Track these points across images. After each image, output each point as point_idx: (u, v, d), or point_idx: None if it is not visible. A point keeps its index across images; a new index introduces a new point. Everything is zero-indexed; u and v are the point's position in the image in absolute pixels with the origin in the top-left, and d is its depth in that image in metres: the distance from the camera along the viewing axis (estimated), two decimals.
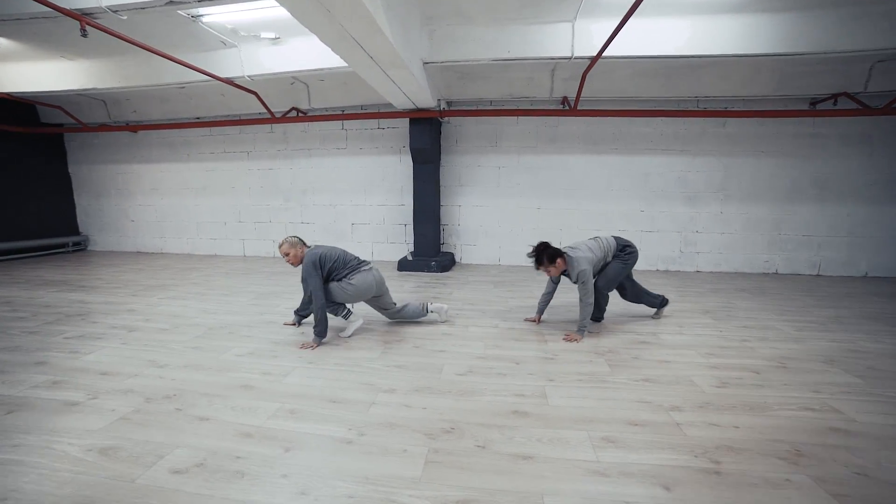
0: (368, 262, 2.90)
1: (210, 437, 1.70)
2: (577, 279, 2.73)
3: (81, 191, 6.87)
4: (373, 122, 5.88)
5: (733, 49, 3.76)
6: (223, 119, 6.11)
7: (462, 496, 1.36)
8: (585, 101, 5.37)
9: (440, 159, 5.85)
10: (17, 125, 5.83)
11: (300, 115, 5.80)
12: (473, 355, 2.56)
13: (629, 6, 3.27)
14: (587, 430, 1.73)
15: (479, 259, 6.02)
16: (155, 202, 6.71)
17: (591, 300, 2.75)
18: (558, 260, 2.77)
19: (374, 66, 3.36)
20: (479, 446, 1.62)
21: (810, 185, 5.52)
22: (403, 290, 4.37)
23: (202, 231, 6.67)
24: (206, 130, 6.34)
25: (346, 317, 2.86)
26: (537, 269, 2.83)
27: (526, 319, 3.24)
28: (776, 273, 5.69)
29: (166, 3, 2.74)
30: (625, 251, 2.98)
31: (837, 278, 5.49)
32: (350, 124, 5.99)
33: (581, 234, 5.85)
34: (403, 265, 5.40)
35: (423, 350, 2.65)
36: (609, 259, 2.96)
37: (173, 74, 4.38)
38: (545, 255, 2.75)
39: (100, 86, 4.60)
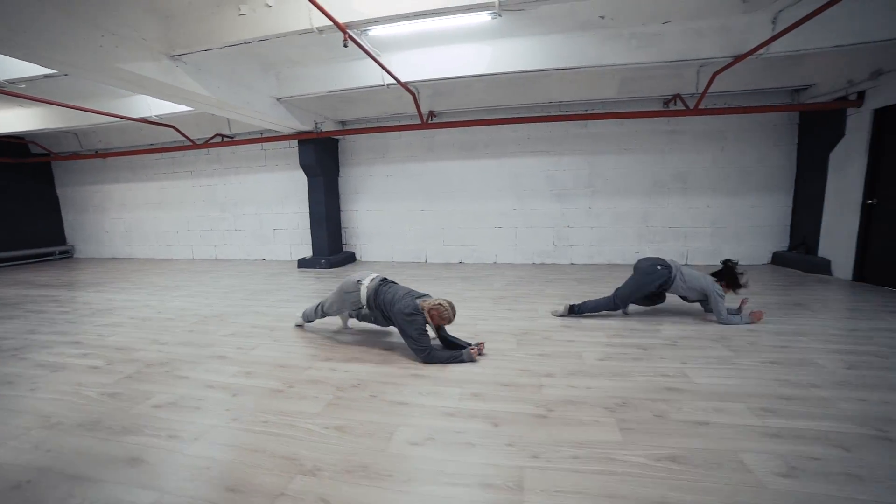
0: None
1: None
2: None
3: (67, 208, 8.36)
4: (285, 143, 6.84)
5: (528, 66, 4.24)
6: (170, 146, 7.29)
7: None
8: (455, 113, 6.06)
9: (339, 171, 6.73)
10: (9, 157, 7.37)
11: (225, 139, 6.87)
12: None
13: (419, 38, 4.00)
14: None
15: (375, 257, 6.82)
16: (124, 216, 8.06)
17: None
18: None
19: (218, 110, 4.31)
20: None
21: (671, 179, 5.87)
22: (285, 285, 5.26)
23: (161, 239, 7.94)
24: (158, 155, 7.58)
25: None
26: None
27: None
28: None
29: (44, 77, 3.80)
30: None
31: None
32: (268, 145, 7.00)
33: (462, 233, 6.47)
34: (302, 263, 6.32)
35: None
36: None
37: (101, 115, 5.52)
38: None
39: (50, 126, 5.87)
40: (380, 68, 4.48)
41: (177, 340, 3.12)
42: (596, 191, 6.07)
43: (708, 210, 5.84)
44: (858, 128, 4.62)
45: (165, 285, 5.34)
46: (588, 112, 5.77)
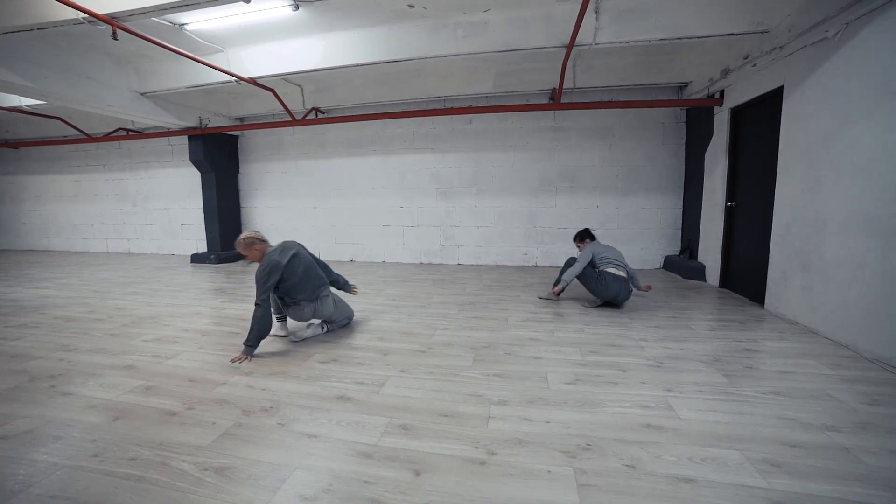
0: (327, 286, 2.86)
1: None
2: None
3: None
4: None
5: (358, 59, 4.10)
6: (81, 138, 7.30)
7: None
8: (342, 109, 5.97)
9: (239, 168, 6.68)
10: None
11: (129, 133, 6.86)
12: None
13: (250, 33, 3.93)
14: None
15: None
16: (40, 208, 8.09)
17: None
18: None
19: (64, 102, 4.34)
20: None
21: (559, 178, 5.71)
22: (152, 278, 5.23)
23: (76, 232, 7.96)
24: (72, 147, 7.60)
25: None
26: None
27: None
28: (536, 266, 5.90)
29: None
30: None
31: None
32: (175, 140, 6.96)
33: (352, 231, 6.38)
34: (194, 258, 6.30)
35: None
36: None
37: None
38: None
39: None
40: (228, 64, 4.43)
41: None
42: (481, 189, 5.93)
43: (598, 210, 5.67)
44: (721, 127, 4.46)
45: (37, 277, 5.35)
46: (470, 107, 5.59)
